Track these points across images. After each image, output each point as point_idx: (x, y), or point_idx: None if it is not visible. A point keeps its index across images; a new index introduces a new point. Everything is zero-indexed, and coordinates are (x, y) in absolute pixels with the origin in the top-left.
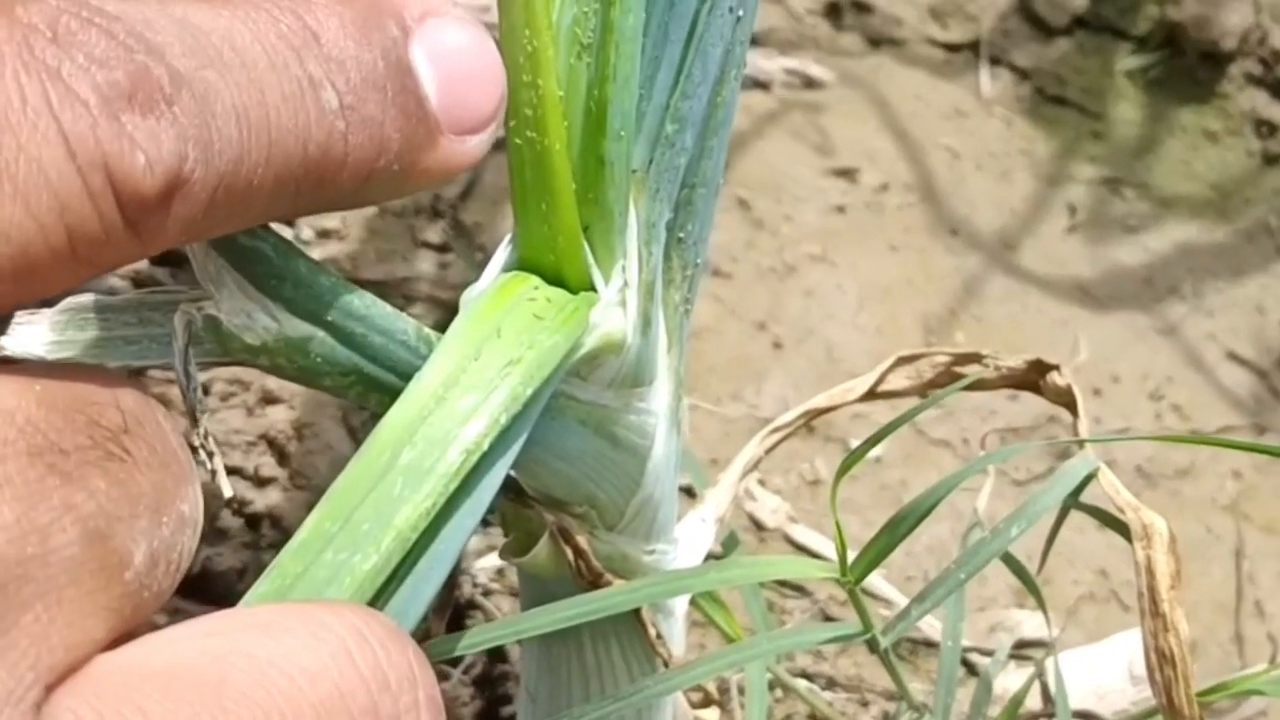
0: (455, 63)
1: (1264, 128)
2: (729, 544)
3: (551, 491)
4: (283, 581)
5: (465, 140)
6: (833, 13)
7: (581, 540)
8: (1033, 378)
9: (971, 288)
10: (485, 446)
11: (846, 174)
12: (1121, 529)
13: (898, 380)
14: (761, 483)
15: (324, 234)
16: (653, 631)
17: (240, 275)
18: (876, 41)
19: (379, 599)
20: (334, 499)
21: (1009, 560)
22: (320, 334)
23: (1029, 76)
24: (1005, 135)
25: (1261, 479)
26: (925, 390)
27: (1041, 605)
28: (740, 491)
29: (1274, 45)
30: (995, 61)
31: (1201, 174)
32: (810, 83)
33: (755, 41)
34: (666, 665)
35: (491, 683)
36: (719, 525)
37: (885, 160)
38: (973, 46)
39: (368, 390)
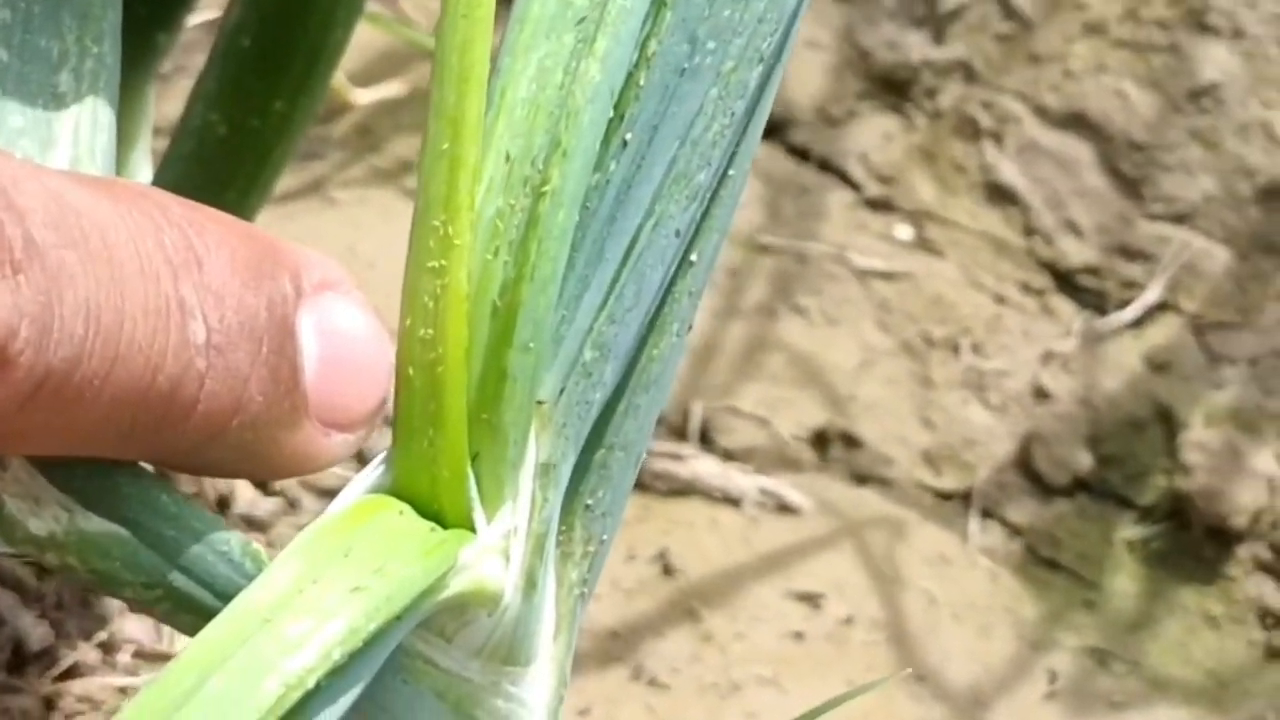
0: (343, 347)
1: (1269, 619)
2: None
3: None
4: None
5: (331, 435)
6: (819, 443)
7: None
8: None
9: None
10: (311, 684)
11: (810, 599)
12: None
13: None
14: None
15: None
16: None
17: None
18: (863, 478)
19: None
20: None
21: None
22: (122, 533)
23: (1022, 534)
24: (989, 590)
25: None
26: None
27: None
28: None
29: None
30: (987, 514)
31: (1198, 659)
32: (785, 507)
33: (731, 457)
34: None
35: None
36: None
37: (854, 593)
38: (965, 496)
39: (178, 608)
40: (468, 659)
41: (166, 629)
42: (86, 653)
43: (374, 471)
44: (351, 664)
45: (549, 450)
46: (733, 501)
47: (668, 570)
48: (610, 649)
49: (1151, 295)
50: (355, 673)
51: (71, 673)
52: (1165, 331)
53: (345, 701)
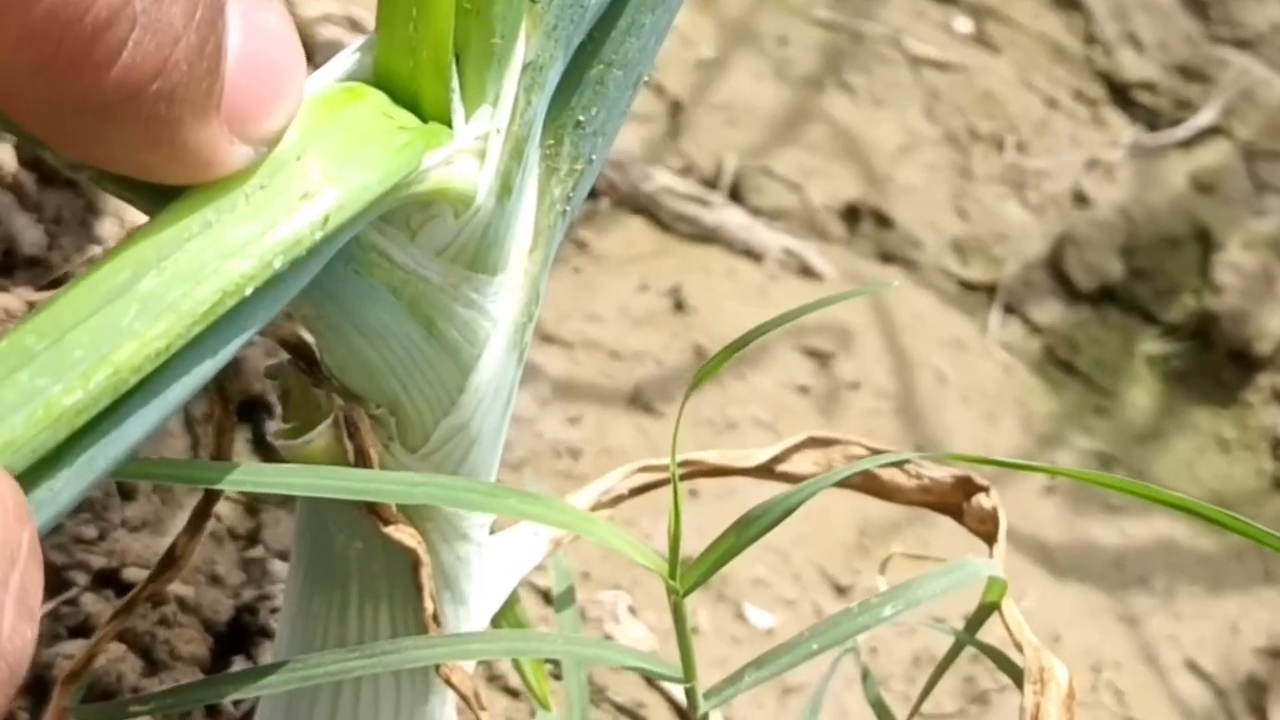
0: (264, 46)
1: None
2: (562, 600)
3: (348, 376)
4: None
5: (234, 143)
6: (850, 216)
7: (369, 443)
8: (955, 499)
9: (924, 510)
10: (248, 291)
11: (820, 357)
12: (1015, 673)
13: (803, 463)
14: (632, 610)
15: None
16: (430, 607)
17: None
18: (889, 257)
19: (74, 443)
20: (47, 313)
21: (879, 706)
22: None
23: (1042, 333)
24: (1002, 380)
25: None
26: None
27: None
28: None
29: None
30: (1010, 309)
31: (1204, 479)
32: (807, 270)
33: (759, 213)
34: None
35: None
36: (553, 551)
37: (865, 360)
38: (989, 289)
39: (104, 180)
40: (427, 257)
41: None
42: (78, 266)
43: (350, 57)
44: (294, 270)
45: (536, 50)
46: (754, 256)
47: (679, 306)
48: (610, 370)
49: (1205, 117)
50: (297, 278)
51: (60, 283)
52: (1214, 154)
53: (282, 304)
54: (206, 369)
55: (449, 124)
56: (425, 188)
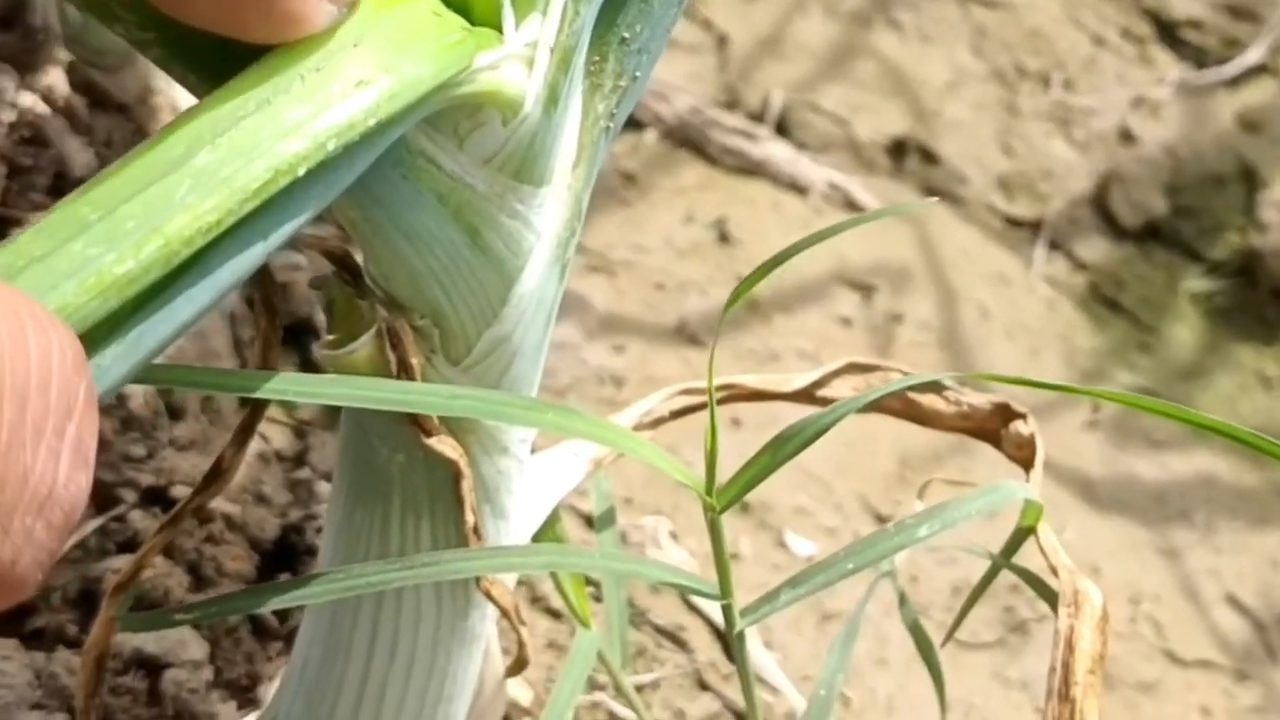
0: None
1: None
2: (603, 520)
3: (392, 284)
4: (13, 260)
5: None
6: (896, 151)
7: (411, 352)
8: (994, 425)
9: (965, 441)
10: (300, 172)
11: (863, 289)
12: (1050, 597)
13: (843, 388)
14: (673, 536)
15: None
16: (471, 520)
17: None
18: (935, 192)
19: (124, 317)
20: (102, 186)
21: (916, 629)
22: None
23: (1086, 269)
24: (1046, 316)
25: None
26: (870, 409)
27: (939, 687)
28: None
29: None
30: (1055, 246)
31: (1246, 416)
32: (851, 204)
33: (805, 147)
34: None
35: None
36: (593, 473)
37: (909, 294)
38: (1034, 225)
39: (171, 56)
40: (475, 166)
41: None
42: None
43: None
44: (345, 156)
45: None
46: (799, 189)
47: (724, 238)
48: (654, 300)
49: (1252, 56)
50: (348, 165)
51: None
52: (1261, 93)
53: (333, 192)
54: (257, 251)
55: (498, 29)
56: (475, 89)
